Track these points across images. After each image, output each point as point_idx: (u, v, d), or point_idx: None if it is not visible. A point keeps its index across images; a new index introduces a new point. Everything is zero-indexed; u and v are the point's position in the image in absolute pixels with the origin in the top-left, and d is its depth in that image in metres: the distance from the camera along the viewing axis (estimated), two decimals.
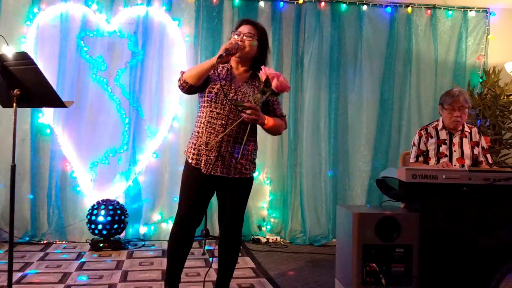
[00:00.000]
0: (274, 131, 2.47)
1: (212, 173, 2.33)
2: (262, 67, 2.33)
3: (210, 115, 2.34)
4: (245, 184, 2.44)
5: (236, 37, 2.38)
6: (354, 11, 4.51)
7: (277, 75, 2.28)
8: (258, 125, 2.40)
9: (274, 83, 2.27)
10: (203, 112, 2.37)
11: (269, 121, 2.36)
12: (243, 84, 2.40)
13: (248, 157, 2.40)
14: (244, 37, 2.37)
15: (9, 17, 4.07)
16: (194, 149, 2.37)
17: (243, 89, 2.37)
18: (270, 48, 2.53)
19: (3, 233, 3.96)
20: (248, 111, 2.25)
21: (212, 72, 2.34)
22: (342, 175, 4.50)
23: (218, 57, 2.23)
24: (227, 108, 2.32)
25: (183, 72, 2.37)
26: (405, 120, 4.55)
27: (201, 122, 2.37)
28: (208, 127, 2.33)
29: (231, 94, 2.34)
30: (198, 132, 2.38)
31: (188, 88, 2.34)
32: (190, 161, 2.39)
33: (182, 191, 2.43)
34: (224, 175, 2.35)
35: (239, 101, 2.31)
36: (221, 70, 2.39)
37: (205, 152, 2.33)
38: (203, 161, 2.34)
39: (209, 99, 2.34)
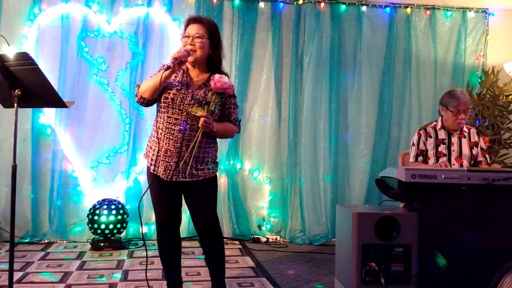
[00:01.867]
0: (222, 135, 2.45)
1: (173, 179, 2.33)
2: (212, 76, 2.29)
3: (168, 120, 2.31)
4: (210, 183, 2.42)
5: (186, 39, 2.34)
6: (354, 11, 4.52)
7: (214, 77, 2.26)
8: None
9: (212, 84, 2.26)
10: (160, 118, 2.35)
11: (217, 127, 2.31)
12: (201, 87, 2.36)
13: (209, 160, 2.38)
14: (194, 40, 2.33)
15: (10, 18, 4.08)
16: (153, 155, 2.37)
17: (201, 92, 2.34)
18: (222, 43, 2.47)
19: (4, 233, 3.97)
20: (202, 119, 2.23)
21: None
22: (341, 174, 4.51)
23: (166, 69, 2.22)
24: (185, 113, 2.30)
25: (139, 86, 2.35)
26: (405, 120, 4.56)
27: (159, 128, 2.34)
28: (166, 133, 2.31)
29: (188, 99, 2.31)
30: (156, 138, 2.35)
31: (146, 102, 2.34)
32: (150, 166, 2.39)
33: (151, 197, 2.44)
34: (187, 180, 2.34)
35: (195, 107, 2.28)
36: (176, 75, 2.37)
37: (164, 158, 2.32)
38: (162, 167, 2.33)
39: (165, 104, 2.31)
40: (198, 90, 2.35)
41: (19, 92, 2.24)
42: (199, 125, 2.25)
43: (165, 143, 2.31)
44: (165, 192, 2.39)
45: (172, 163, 2.31)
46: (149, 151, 2.41)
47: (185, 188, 2.41)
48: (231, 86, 2.30)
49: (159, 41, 4.28)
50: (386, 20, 4.57)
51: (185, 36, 2.36)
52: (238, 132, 2.52)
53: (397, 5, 4.56)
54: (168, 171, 2.32)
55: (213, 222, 2.45)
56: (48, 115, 4.14)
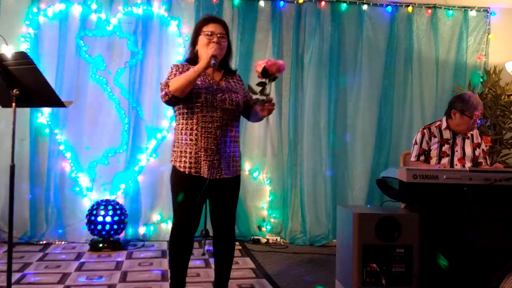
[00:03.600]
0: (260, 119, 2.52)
1: (217, 177, 2.33)
2: (257, 62, 2.30)
3: (203, 120, 2.31)
4: (238, 182, 2.48)
5: (210, 36, 2.34)
6: (355, 10, 4.50)
7: (267, 62, 2.26)
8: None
9: (273, 68, 2.24)
10: (192, 119, 2.33)
11: None
12: (221, 82, 2.40)
13: (239, 154, 2.46)
14: (220, 39, 2.34)
15: (8, 17, 4.06)
16: (190, 158, 2.33)
17: (225, 86, 2.39)
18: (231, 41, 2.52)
19: (2, 233, 3.95)
20: (271, 103, 2.28)
21: None
22: (342, 175, 4.49)
23: (212, 66, 2.23)
24: (219, 110, 2.32)
25: (166, 86, 2.29)
26: (406, 120, 4.54)
27: (192, 129, 2.33)
28: (203, 132, 2.31)
29: (220, 95, 2.34)
30: (191, 140, 2.33)
31: (175, 101, 2.31)
32: (185, 170, 2.34)
33: (178, 200, 2.40)
34: (228, 176, 2.37)
35: (256, 97, 2.31)
36: None
37: (206, 157, 2.32)
38: (206, 167, 2.31)
39: (199, 104, 2.31)
40: (221, 85, 2.38)
41: (17, 92, 2.24)
42: (270, 110, 2.30)
43: (204, 143, 2.32)
44: (199, 193, 2.35)
45: (215, 161, 2.32)
46: (182, 156, 2.36)
47: (217, 187, 2.37)
48: (282, 63, 2.30)
49: (158, 40, 4.26)
50: (387, 18, 4.55)
51: (209, 34, 2.35)
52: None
53: (398, 4, 4.54)
54: (212, 169, 2.32)
55: (232, 223, 2.48)
56: (46, 115, 4.11)
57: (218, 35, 2.34)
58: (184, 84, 2.24)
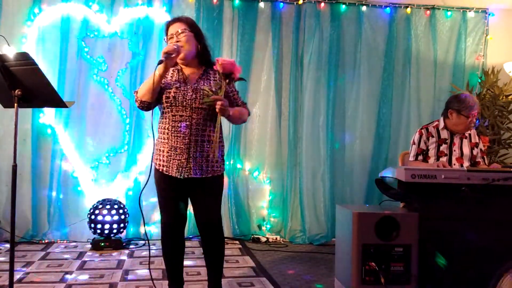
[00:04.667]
0: (238, 119, 2.49)
1: (185, 176, 2.34)
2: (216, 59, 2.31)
3: (173, 119, 2.34)
4: (218, 182, 2.46)
5: (171, 40, 2.36)
6: (354, 11, 4.52)
7: (218, 60, 2.29)
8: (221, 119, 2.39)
9: (217, 66, 2.27)
10: (165, 118, 2.37)
11: (232, 111, 2.36)
12: (199, 81, 2.40)
13: (218, 153, 2.42)
14: (178, 36, 2.35)
15: (10, 17, 4.08)
16: (162, 156, 2.38)
17: (200, 85, 2.37)
18: (204, 35, 2.49)
19: (5, 233, 3.98)
20: (219, 103, 2.25)
21: (164, 79, 2.35)
22: (341, 174, 4.51)
23: (158, 63, 2.25)
24: (189, 109, 2.33)
25: (135, 92, 2.37)
26: (404, 120, 4.57)
27: (164, 128, 2.37)
28: (173, 131, 2.34)
29: (190, 94, 2.34)
30: (164, 139, 2.37)
31: (147, 106, 2.34)
32: (159, 168, 2.40)
33: (160, 199, 2.46)
34: (198, 176, 2.36)
35: (206, 97, 2.30)
36: (172, 74, 2.40)
37: (175, 156, 2.34)
38: (175, 166, 2.34)
39: (168, 104, 2.34)
40: (196, 84, 2.38)
41: (19, 92, 2.25)
42: (217, 110, 2.27)
43: (174, 141, 2.34)
44: (175, 191, 2.40)
45: (183, 160, 2.34)
46: (158, 154, 2.41)
47: (193, 186, 2.41)
48: (239, 67, 2.31)
49: (159, 41, 4.27)
50: (386, 20, 4.57)
51: (170, 38, 2.38)
52: (249, 114, 2.56)
53: (397, 5, 4.56)
54: (181, 168, 2.34)
55: (217, 223, 2.46)
56: (48, 115, 4.14)
57: (176, 34, 2.36)
58: (147, 88, 2.29)
